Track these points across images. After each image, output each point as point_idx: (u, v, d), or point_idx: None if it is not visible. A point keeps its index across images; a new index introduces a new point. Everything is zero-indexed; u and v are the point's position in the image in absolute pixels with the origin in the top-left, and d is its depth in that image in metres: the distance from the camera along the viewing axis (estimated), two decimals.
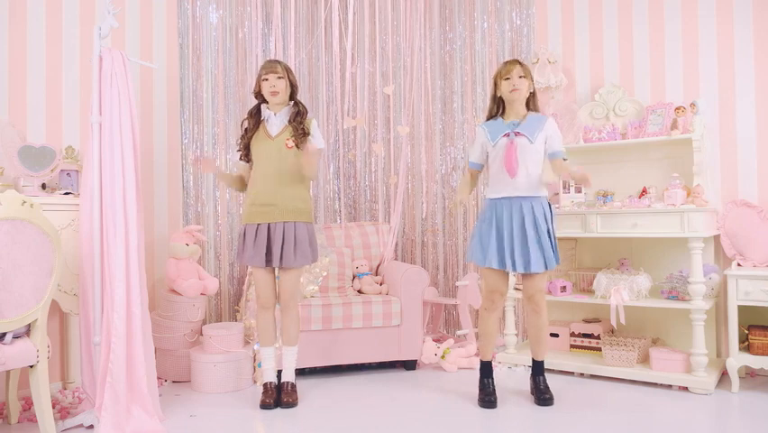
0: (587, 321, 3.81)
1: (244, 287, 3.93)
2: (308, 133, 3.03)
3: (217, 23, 4.18)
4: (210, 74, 4.14)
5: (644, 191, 3.61)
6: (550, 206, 3.03)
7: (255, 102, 3.14)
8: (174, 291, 3.54)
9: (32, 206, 2.40)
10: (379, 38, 4.34)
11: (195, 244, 3.68)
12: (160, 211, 3.93)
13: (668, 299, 3.37)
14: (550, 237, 2.96)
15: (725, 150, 3.60)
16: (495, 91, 3.08)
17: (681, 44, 3.73)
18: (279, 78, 2.99)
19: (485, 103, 4.33)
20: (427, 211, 4.60)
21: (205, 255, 4.08)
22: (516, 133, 2.97)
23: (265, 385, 3.10)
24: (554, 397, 3.04)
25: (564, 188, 3.72)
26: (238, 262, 3.42)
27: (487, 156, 3.11)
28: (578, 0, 4.09)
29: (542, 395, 3.03)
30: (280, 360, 3.18)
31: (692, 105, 3.46)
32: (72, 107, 3.47)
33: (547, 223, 2.96)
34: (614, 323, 3.37)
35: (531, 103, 3.07)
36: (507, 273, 3.06)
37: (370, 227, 4.27)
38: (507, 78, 3.00)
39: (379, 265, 4.15)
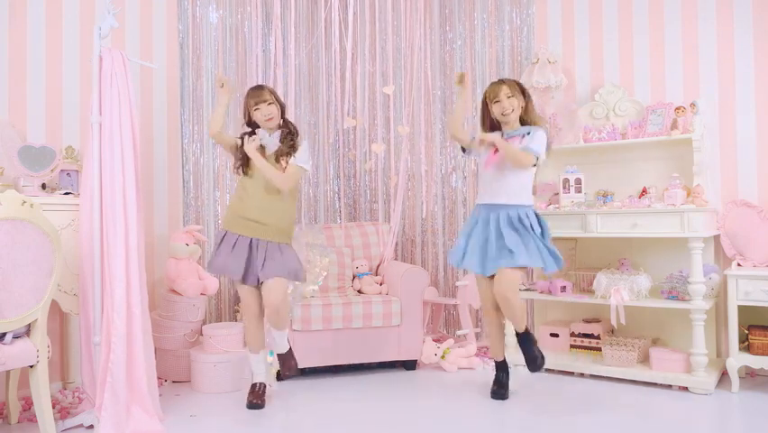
0: (587, 321, 3.81)
1: None
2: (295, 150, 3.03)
3: (217, 23, 4.18)
4: (210, 74, 4.14)
5: (644, 191, 3.61)
6: (536, 215, 3.02)
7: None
8: (174, 291, 3.54)
9: (32, 206, 2.41)
10: (379, 38, 4.34)
11: (195, 243, 3.69)
12: (159, 211, 3.93)
13: (668, 299, 3.37)
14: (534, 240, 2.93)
15: (725, 150, 3.59)
16: (486, 113, 3.11)
17: (681, 44, 3.73)
18: (270, 104, 3.00)
19: None
20: (427, 211, 4.59)
21: (205, 255, 4.07)
22: (507, 139, 3.02)
23: (253, 385, 3.10)
24: (538, 361, 3.01)
25: (564, 187, 3.72)
26: (208, 269, 3.11)
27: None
28: (578, 0, 4.10)
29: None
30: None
31: (692, 105, 3.46)
32: (72, 107, 3.47)
33: (528, 227, 2.96)
34: (614, 323, 3.37)
35: (527, 118, 3.06)
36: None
37: (370, 227, 4.26)
38: (497, 101, 3.02)
39: (379, 265, 4.14)
